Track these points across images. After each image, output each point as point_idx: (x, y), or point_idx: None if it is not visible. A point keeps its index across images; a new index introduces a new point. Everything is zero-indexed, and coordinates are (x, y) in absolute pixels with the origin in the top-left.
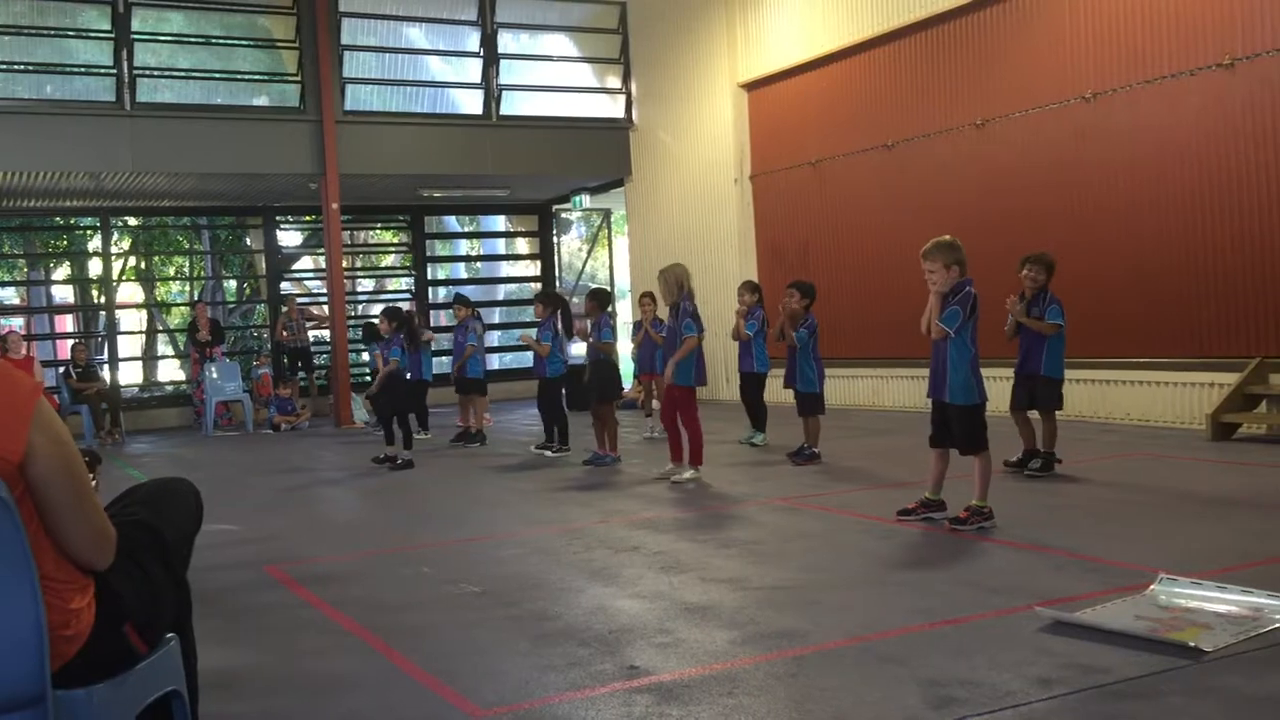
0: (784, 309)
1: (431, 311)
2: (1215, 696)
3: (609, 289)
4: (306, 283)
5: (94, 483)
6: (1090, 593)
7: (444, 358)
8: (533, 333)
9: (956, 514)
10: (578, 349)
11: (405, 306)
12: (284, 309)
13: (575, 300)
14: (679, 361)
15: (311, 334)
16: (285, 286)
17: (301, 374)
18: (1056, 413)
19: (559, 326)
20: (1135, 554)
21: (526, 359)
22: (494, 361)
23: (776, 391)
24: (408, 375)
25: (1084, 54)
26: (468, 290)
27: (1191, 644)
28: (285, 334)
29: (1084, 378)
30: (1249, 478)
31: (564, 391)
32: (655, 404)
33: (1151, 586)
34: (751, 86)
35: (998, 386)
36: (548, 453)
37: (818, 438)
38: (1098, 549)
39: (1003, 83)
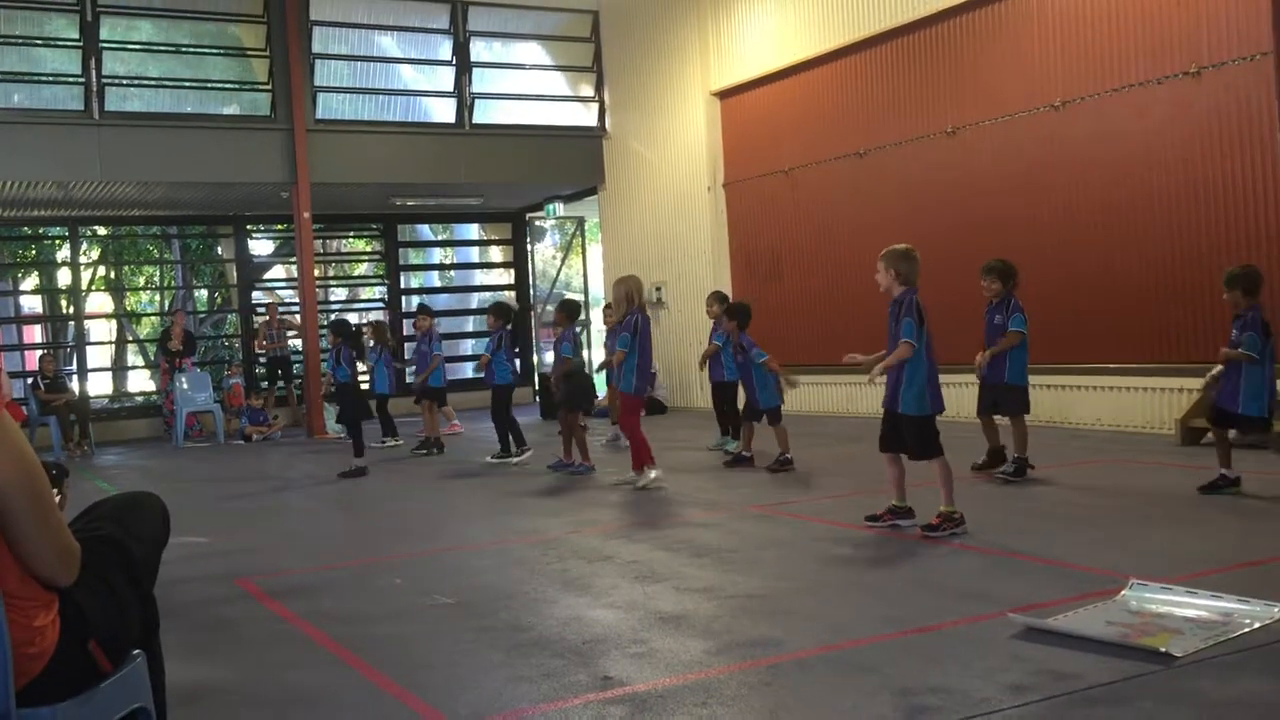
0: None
1: (405, 320)
2: (1186, 702)
3: (578, 300)
4: (279, 292)
5: (60, 496)
6: (1062, 598)
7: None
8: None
9: (929, 521)
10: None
11: (379, 316)
12: (265, 317)
13: (549, 308)
14: (622, 369)
15: (292, 342)
16: (256, 295)
17: (280, 383)
18: (1025, 417)
19: (505, 337)
20: (1106, 559)
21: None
22: (466, 370)
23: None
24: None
25: (1053, 63)
26: (441, 299)
27: (1162, 649)
28: (265, 342)
29: (1054, 383)
30: (1199, 483)
31: (538, 400)
32: None
33: (1123, 592)
34: (724, 94)
35: (961, 392)
36: (512, 461)
37: (787, 444)
38: (1069, 554)
39: (973, 91)
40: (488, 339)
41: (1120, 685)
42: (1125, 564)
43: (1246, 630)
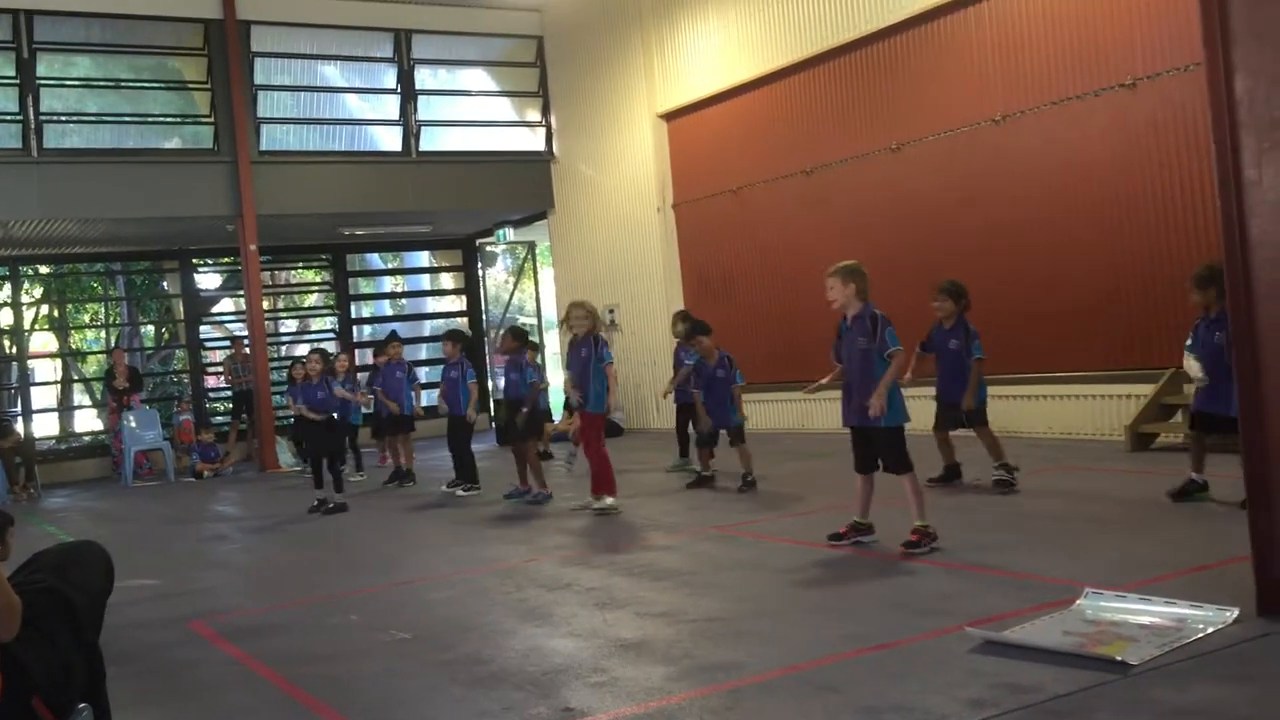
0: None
1: (356, 351)
2: (1143, 710)
3: (527, 327)
4: (228, 325)
5: (2, 546)
6: (1018, 610)
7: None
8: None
9: (907, 538)
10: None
11: (332, 347)
12: (230, 350)
13: (504, 333)
14: (590, 389)
15: None
16: (205, 330)
17: (244, 417)
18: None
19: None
20: (1061, 569)
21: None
22: (427, 398)
23: None
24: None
25: (993, 78)
26: (393, 328)
27: (1118, 658)
28: (231, 377)
29: (1004, 394)
30: (1167, 487)
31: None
32: None
33: (1078, 601)
34: (671, 116)
35: (914, 405)
36: (459, 491)
37: (750, 463)
38: (1024, 565)
39: (916, 107)
40: (447, 367)
41: (1078, 696)
42: (1081, 573)
43: (1200, 635)
